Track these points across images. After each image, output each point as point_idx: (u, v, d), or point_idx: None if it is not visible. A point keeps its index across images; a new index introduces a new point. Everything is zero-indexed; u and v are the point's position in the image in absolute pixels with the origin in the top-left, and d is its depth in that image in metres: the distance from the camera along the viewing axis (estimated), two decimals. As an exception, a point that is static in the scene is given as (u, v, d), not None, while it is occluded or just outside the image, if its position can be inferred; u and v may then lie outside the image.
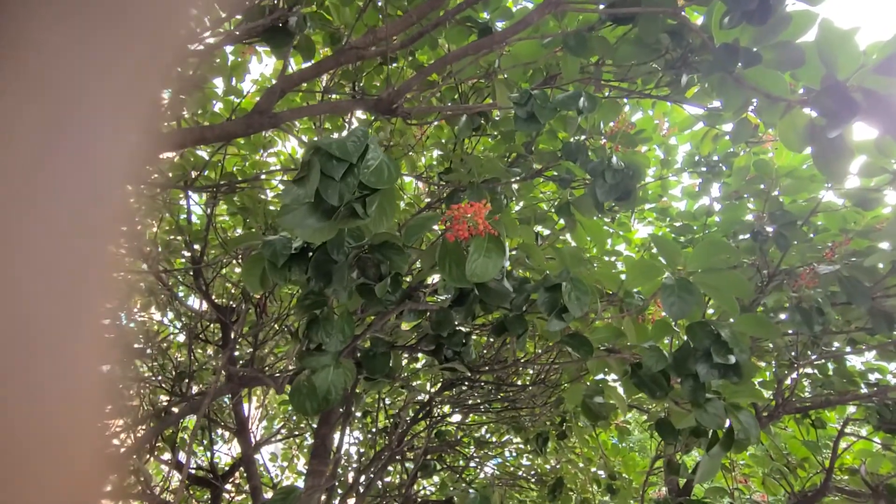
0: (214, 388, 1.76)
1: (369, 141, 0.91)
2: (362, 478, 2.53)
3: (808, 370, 2.79)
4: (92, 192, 0.31)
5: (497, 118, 2.08)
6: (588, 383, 1.83)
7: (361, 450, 3.44)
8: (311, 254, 1.20)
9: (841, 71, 1.13)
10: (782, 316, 2.33)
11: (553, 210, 2.07)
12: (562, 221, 1.95)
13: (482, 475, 3.58)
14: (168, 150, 1.62)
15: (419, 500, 3.12)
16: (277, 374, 2.64)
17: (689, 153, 2.71)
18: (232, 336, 2.38)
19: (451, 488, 3.28)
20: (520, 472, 3.77)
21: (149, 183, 1.84)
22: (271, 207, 2.33)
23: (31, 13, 0.29)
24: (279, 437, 3.74)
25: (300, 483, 3.89)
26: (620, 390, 1.76)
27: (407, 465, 2.95)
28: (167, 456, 3.06)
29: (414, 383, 2.86)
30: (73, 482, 0.30)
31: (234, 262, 2.59)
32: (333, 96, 2.14)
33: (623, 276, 1.55)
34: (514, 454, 3.86)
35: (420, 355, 2.53)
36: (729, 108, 1.33)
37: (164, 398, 3.02)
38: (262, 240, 1.20)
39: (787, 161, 2.31)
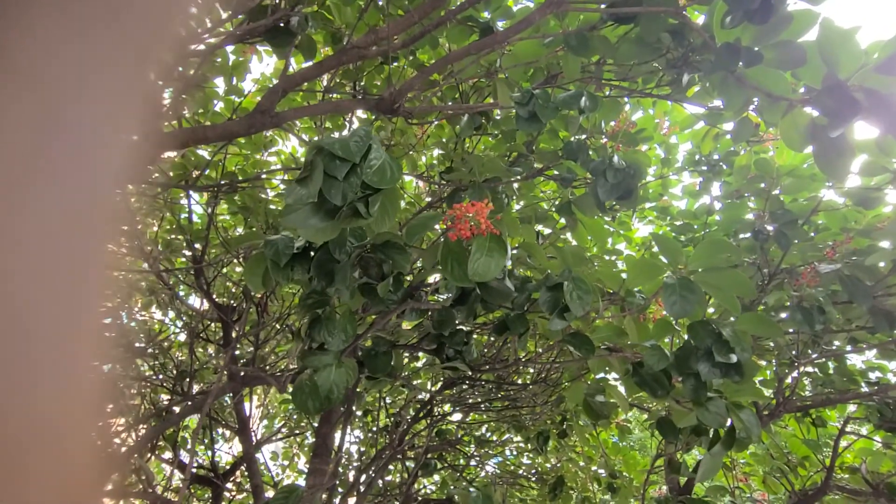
0: (217, 388, 1.76)
1: (372, 141, 0.91)
2: (363, 477, 2.53)
3: (809, 369, 2.80)
4: (90, 190, 0.30)
5: (498, 117, 2.09)
6: (589, 382, 1.83)
7: (362, 448, 3.45)
8: (313, 253, 1.20)
9: (842, 70, 1.13)
10: (783, 315, 2.33)
11: (554, 209, 2.07)
12: (563, 220, 1.96)
13: (483, 474, 3.58)
14: (171, 150, 1.62)
15: (420, 498, 3.13)
16: (278, 373, 2.64)
17: (689, 152, 2.72)
18: (234, 335, 2.38)
19: (452, 487, 3.29)
20: (520, 471, 3.78)
21: (150, 182, 1.84)
22: (272, 207, 2.33)
23: (26, 5, 0.29)
24: (280, 435, 3.74)
25: (301, 482, 3.90)
26: (621, 389, 1.76)
27: (408, 463, 2.95)
28: (168, 455, 3.07)
29: (414, 382, 2.86)
30: (73, 482, 0.30)
31: (235, 261, 2.59)
32: (334, 95, 2.14)
33: (624, 275, 1.56)
34: (515, 453, 3.86)
35: (420, 354, 2.53)
36: (730, 108, 1.33)
37: (165, 397, 3.02)
38: (265, 239, 1.21)
39: (787, 160, 2.31)
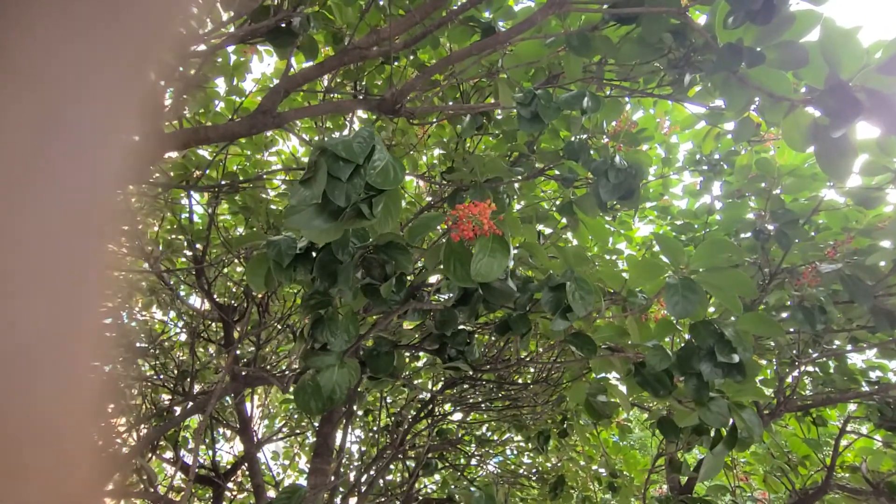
0: (220, 388, 1.76)
1: (375, 142, 0.91)
2: (364, 476, 2.53)
3: (810, 368, 2.80)
4: (90, 190, 0.30)
5: (499, 117, 2.08)
6: (590, 382, 1.83)
7: (363, 448, 3.45)
8: (315, 254, 1.20)
9: (844, 70, 1.13)
10: (784, 314, 2.33)
11: (555, 209, 2.07)
12: (564, 220, 1.95)
13: (483, 473, 3.58)
14: (172, 150, 1.62)
15: (420, 498, 3.13)
16: (279, 374, 2.64)
17: (690, 151, 2.71)
18: (235, 335, 2.38)
19: (453, 486, 3.29)
20: (521, 471, 3.78)
21: (151, 182, 1.84)
22: (273, 207, 2.33)
23: (26, 5, 0.28)
24: (281, 435, 3.75)
25: (302, 481, 3.90)
26: (622, 388, 1.76)
27: (409, 463, 2.95)
28: (169, 454, 3.07)
29: (415, 382, 2.86)
30: (73, 482, 0.30)
31: (236, 261, 2.59)
32: (335, 96, 2.14)
33: (625, 275, 1.55)
34: (516, 452, 3.86)
35: (421, 354, 2.53)
36: (732, 108, 1.33)
37: (166, 397, 3.03)
38: (267, 240, 1.20)
39: (788, 160, 2.31)
